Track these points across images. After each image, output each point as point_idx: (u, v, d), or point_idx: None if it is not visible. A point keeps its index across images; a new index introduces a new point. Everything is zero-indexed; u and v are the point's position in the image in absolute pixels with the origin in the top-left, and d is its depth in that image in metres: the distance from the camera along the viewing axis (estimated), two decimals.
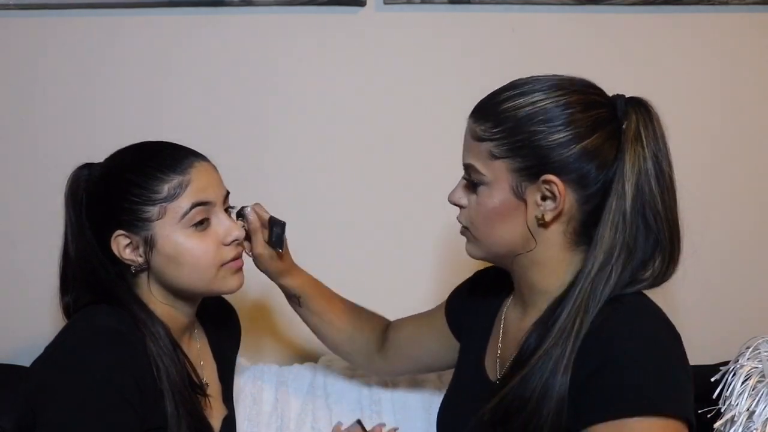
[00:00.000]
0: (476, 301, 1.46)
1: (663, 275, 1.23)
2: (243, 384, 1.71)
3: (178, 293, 1.35)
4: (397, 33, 1.85)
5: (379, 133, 1.89)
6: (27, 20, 1.76)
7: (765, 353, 1.50)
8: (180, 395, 1.29)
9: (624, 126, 1.20)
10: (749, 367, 1.49)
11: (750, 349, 1.53)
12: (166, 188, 1.30)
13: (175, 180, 1.30)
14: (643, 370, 1.12)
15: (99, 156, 1.40)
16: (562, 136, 1.17)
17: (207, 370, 1.46)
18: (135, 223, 1.30)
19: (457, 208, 1.30)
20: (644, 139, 1.20)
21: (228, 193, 1.39)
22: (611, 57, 1.91)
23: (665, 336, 1.18)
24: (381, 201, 1.91)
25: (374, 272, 1.92)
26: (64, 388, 1.19)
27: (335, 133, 1.88)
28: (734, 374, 1.50)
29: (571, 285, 1.20)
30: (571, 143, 1.17)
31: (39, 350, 1.28)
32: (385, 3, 1.82)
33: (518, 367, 1.21)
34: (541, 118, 1.18)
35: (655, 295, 1.25)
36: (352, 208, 1.90)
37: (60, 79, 1.79)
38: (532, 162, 1.18)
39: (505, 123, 1.19)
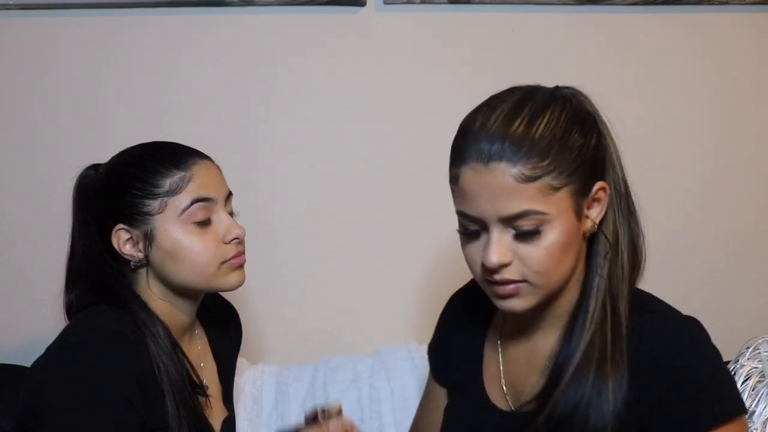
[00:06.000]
0: (453, 342, 1.37)
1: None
2: (243, 384, 1.71)
3: (177, 290, 1.35)
4: (397, 33, 1.85)
5: (379, 132, 1.89)
6: (27, 20, 1.76)
7: (765, 353, 1.51)
8: (180, 395, 1.29)
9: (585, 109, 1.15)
10: (749, 367, 1.50)
11: (750, 349, 1.54)
12: (167, 183, 1.31)
13: (177, 175, 1.31)
14: (715, 378, 1.12)
15: (98, 156, 1.40)
16: (590, 138, 1.12)
17: (207, 371, 1.46)
18: (135, 217, 1.31)
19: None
20: (602, 116, 1.17)
21: (231, 193, 1.39)
22: (611, 57, 1.91)
23: (707, 336, 1.17)
24: (380, 200, 1.91)
25: (372, 271, 1.92)
26: (66, 388, 1.19)
27: (335, 132, 1.88)
28: (734, 374, 1.51)
29: (582, 295, 1.16)
30: (594, 141, 1.12)
31: (39, 350, 1.28)
32: (385, 3, 1.82)
33: (554, 386, 1.15)
34: (571, 128, 1.10)
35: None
36: (352, 206, 1.90)
37: (60, 79, 1.79)
38: (587, 176, 1.11)
39: (550, 150, 1.07)
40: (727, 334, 1.77)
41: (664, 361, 1.11)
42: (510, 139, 1.07)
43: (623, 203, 1.15)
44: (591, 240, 1.16)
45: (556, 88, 1.15)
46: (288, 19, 1.82)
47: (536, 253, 1.09)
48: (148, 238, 1.31)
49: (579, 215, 1.11)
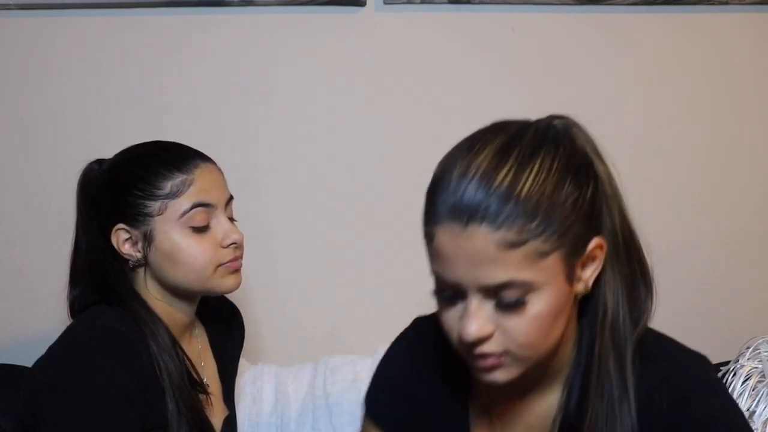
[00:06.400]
0: (423, 397, 1.17)
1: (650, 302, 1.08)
2: (243, 384, 1.71)
3: (174, 291, 1.36)
4: (397, 33, 1.85)
5: (378, 132, 1.89)
6: (27, 20, 1.76)
7: (765, 353, 1.51)
8: (179, 392, 1.29)
9: (578, 146, 1.01)
10: (749, 367, 1.50)
11: (750, 349, 1.54)
12: (169, 185, 1.31)
13: (179, 178, 1.32)
14: (735, 421, 1.04)
15: (97, 156, 1.41)
16: (585, 189, 0.97)
17: (208, 369, 1.46)
18: (136, 217, 1.32)
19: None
20: (599, 152, 1.02)
21: (231, 197, 1.39)
22: (611, 57, 1.91)
23: (716, 374, 1.10)
24: (380, 199, 1.91)
25: (372, 272, 1.92)
26: (67, 388, 1.19)
27: (335, 132, 1.88)
28: (734, 374, 1.51)
29: (579, 354, 1.05)
30: (589, 192, 0.97)
31: (39, 350, 1.28)
32: (385, 3, 1.82)
33: None
34: (564, 180, 0.95)
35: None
36: (352, 206, 1.90)
37: (60, 79, 1.79)
38: (581, 234, 0.96)
39: (538, 210, 0.92)
40: (727, 334, 1.78)
41: (683, 412, 1.01)
42: (492, 198, 0.92)
43: (623, 255, 1.02)
44: (585, 298, 1.03)
45: (549, 123, 1.00)
46: (288, 19, 1.82)
47: (521, 324, 0.95)
48: (148, 239, 1.32)
49: (571, 279, 0.97)
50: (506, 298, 0.94)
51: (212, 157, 1.38)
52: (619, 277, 1.02)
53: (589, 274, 0.99)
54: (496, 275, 0.93)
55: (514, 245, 0.92)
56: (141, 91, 1.81)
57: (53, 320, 1.42)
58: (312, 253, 1.90)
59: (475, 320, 0.95)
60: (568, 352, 1.06)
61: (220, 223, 1.35)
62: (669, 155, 1.95)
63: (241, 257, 1.38)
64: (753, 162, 1.98)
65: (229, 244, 1.35)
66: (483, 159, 0.94)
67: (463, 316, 0.97)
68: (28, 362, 1.30)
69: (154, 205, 1.31)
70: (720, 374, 1.54)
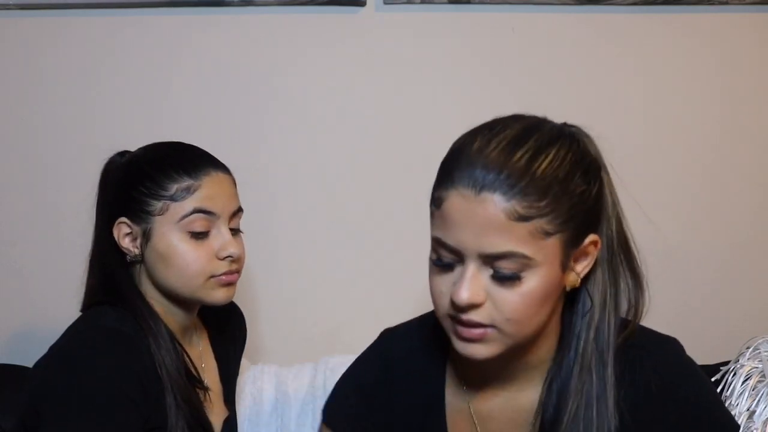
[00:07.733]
0: (397, 402, 1.18)
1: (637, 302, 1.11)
2: (243, 384, 1.71)
3: (166, 294, 1.36)
4: (397, 33, 1.86)
5: (378, 132, 1.89)
6: (27, 20, 1.76)
7: (765, 353, 1.51)
8: (176, 385, 1.30)
9: (591, 155, 1.07)
10: (749, 367, 1.50)
11: (750, 349, 1.54)
12: (174, 187, 1.32)
13: (186, 183, 1.32)
14: (713, 399, 1.11)
15: (98, 156, 1.41)
16: (593, 185, 1.03)
17: (209, 371, 1.46)
18: (138, 214, 1.33)
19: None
20: (605, 163, 1.09)
21: (240, 210, 1.39)
22: (611, 57, 1.91)
23: (687, 355, 1.13)
24: (380, 199, 1.91)
25: (372, 271, 1.92)
26: (69, 388, 1.20)
27: (335, 132, 1.88)
28: (734, 374, 1.51)
29: (561, 349, 1.09)
30: (595, 190, 1.04)
31: (39, 350, 1.28)
32: (385, 3, 1.83)
33: None
34: (575, 172, 1.01)
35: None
36: (352, 206, 1.90)
37: (60, 79, 1.79)
38: (581, 227, 1.02)
39: (549, 191, 0.98)
40: (727, 334, 1.78)
41: (662, 396, 1.06)
42: (509, 171, 0.97)
43: (615, 261, 1.07)
44: (572, 295, 1.08)
45: (564, 124, 1.07)
46: (288, 19, 1.82)
47: (512, 298, 0.99)
48: (146, 237, 1.33)
49: (565, 266, 1.02)
50: (503, 270, 0.99)
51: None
52: (610, 280, 1.07)
53: (581, 268, 1.05)
54: (499, 244, 0.97)
55: (521, 218, 0.97)
56: (141, 91, 1.81)
57: (53, 320, 1.42)
58: (312, 253, 1.90)
59: (470, 285, 0.99)
60: (550, 346, 1.10)
61: (220, 234, 1.35)
62: (669, 155, 1.95)
63: (237, 272, 1.37)
64: (753, 162, 1.98)
65: (225, 257, 1.34)
66: (503, 137, 1.00)
67: (457, 282, 1.00)
68: (28, 362, 1.30)
69: (157, 205, 1.32)
70: (720, 374, 1.55)
